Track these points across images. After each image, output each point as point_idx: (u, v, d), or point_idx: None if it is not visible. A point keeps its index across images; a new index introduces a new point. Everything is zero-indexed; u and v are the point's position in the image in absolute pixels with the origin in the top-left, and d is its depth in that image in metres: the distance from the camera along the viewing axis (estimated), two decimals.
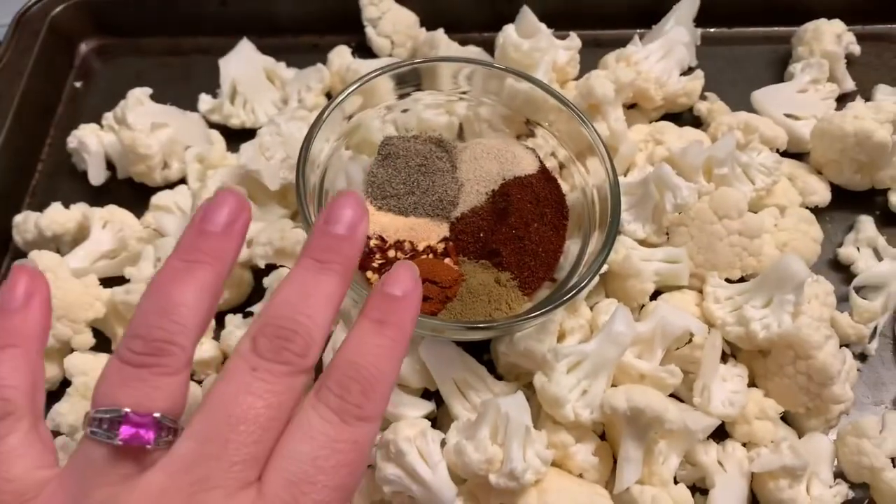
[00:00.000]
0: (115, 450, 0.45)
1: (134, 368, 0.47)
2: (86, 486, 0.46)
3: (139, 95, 0.99)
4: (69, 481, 0.47)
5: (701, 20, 1.08)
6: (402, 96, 0.87)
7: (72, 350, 0.85)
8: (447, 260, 0.81)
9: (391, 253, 0.81)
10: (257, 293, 0.90)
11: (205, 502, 0.44)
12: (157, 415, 0.46)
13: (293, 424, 0.48)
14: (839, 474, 0.78)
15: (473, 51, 1.06)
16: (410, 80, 0.86)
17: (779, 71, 1.11)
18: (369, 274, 0.79)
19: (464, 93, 0.88)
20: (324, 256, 0.52)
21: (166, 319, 0.48)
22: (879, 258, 0.93)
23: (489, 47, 1.08)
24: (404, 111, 0.89)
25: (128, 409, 0.45)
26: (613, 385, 0.76)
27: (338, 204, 0.53)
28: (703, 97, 1.05)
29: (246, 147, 0.85)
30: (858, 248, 0.94)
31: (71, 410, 0.78)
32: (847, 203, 0.98)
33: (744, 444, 0.78)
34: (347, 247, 0.53)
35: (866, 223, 0.95)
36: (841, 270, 0.94)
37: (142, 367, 0.47)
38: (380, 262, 0.80)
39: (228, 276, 0.52)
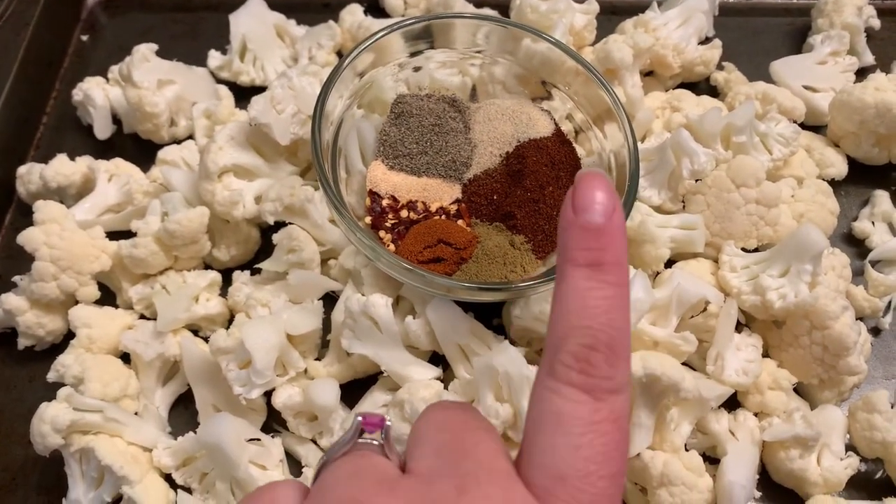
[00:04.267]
0: None
1: None
2: None
3: (145, 52, 0.97)
4: None
5: None
6: (414, 54, 0.86)
7: (76, 302, 0.84)
8: (460, 222, 0.80)
9: (403, 213, 0.79)
10: (264, 250, 0.89)
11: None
12: None
13: (537, 415, 0.44)
14: (851, 447, 0.78)
15: (489, 13, 1.04)
16: (423, 37, 0.85)
17: (796, 43, 1.10)
18: (382, 233, 0.78)
19: (478, 52, 0.87)
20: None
21: None
22: (895, 233, 0.92)
23: (504, 11, 1.06)
24: (416, 69, 0.87)
25: None
26: None
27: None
28: (720, 67, 1.03)
29: (256, 100, 0.83)
30: (873, 223, 0.93)
31: (75, 362, 0.77)
32: (863, 177, 0.97)
33: (755, 414, 0.78)
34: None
35: (882, 198, 0.94)
36: (855, 244, 0.93)
37: None
38: (392, 221, 0.79)
39: None
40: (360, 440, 0.47)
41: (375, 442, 0.47)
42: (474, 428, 0.46)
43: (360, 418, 0.47)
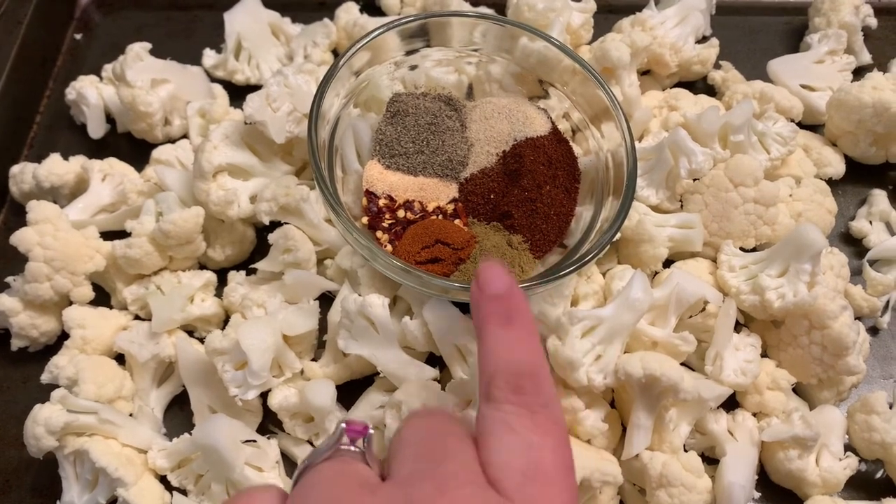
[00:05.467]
0: None
1: None
2: None
3: (138, 51, 0.96)
4: None
5: None
6: (410, 52, 0.85)
7: (70, 303, 0.83)
8: (457, 221, 0.79)
9: (400, 213, 0.79)
10: (259, 250, 0.88)
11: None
12: None
13: (486, 428, 0.50)
14: (851, 448, 0.77)
15: (485, 11, 1.03)
16: (420, 35, 0.84)
17: (793, 42, 1.10)
18: (379, 234, 0.78)
19: (475, 50, 0.86)
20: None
21: None
22: (892, 232, 0.92)
23: (501, 9, 1.06)
24: (412, 68, 0.87)
25: None
26: (626, 352, 0.74)
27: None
28: (717, 66, 1.03)
29: (252, 97, 0.82)
30: (871, 222, 0.93)
31: (69, 363, 0.77)
32: (860, 176, 0.96)
33: (754, 415, 0.77)
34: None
35: (879, 197, 0.94)
36: (852, 244, 0.93)
37: None
38: (389, 222, 0.78)
39: None
40: (342, 447, 0.49)
41: (357, 449, 0.50)
42: (454, 434, 0.50)
43: (343, 425, 0.50)
